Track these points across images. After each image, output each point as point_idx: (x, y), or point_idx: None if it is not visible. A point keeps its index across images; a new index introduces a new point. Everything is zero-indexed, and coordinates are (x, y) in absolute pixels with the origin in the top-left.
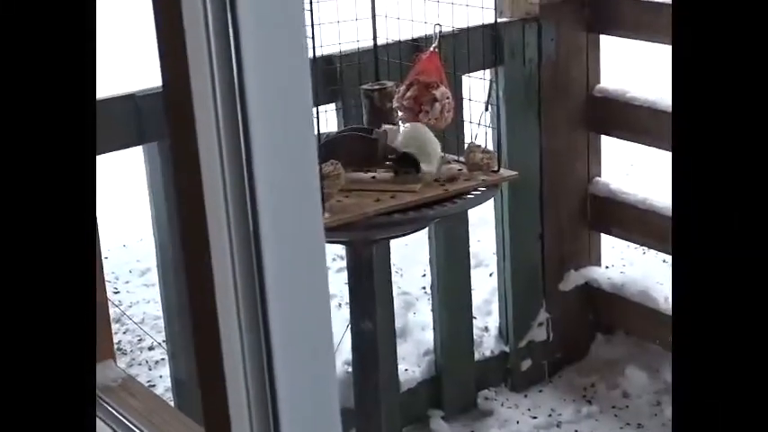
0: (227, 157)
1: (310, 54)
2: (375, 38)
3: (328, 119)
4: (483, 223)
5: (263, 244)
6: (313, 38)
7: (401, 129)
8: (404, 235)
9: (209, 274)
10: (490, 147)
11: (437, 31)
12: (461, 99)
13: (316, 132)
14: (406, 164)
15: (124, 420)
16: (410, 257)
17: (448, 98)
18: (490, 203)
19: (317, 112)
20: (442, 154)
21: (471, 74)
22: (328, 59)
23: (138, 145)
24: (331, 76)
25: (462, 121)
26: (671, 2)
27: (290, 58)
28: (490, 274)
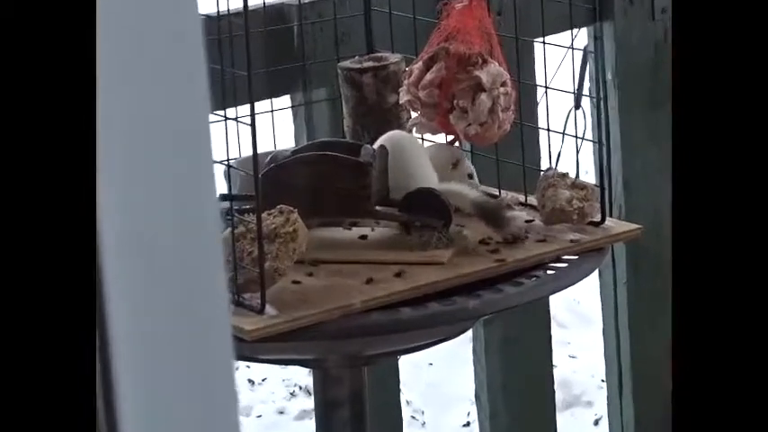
0: None
1: (236, 3)
2: None
3: (277, 125)
4: (579, 322)
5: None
6: None
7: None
8: (423, 348)
9: None
10: (588, 178)
11: None
12: (530, 87)
13: (251, 151)
14: (425, 211)
15: None
16: (439, 389)
17: (504, 84)
18: (591, 285)
19: (253, 112)
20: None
21: (549, 38)
22: (278, 12)
23: None
24: (283, 43)
25: (533, 130)
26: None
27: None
28: (596, 421)
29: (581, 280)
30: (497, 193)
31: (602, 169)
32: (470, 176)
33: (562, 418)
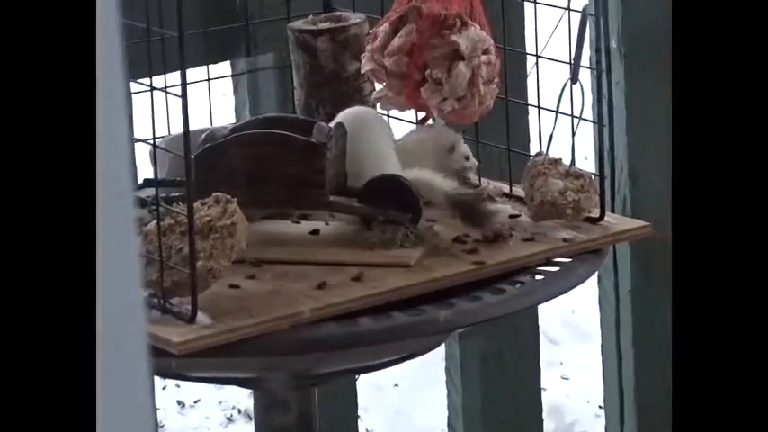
0: None
1: None
2: None
3: (214, 97)
4: (573, 338)
5: None
6: None
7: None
8: (386, 366)
9: None
10: (587, 166)
11: None
12: (518, 55)
13: (182, 128)
14: (389, 203)
15: None
16: (406, 416)
17: (487, 52)
18: (588, 293)
19: (185, 81)
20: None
21: None
22: None
23: None
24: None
25: (521, 107)
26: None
27: None
28: None
29: (576, 287)
30: (477, 183)
31: (603, 155)
32: (467, 158)
33: None
